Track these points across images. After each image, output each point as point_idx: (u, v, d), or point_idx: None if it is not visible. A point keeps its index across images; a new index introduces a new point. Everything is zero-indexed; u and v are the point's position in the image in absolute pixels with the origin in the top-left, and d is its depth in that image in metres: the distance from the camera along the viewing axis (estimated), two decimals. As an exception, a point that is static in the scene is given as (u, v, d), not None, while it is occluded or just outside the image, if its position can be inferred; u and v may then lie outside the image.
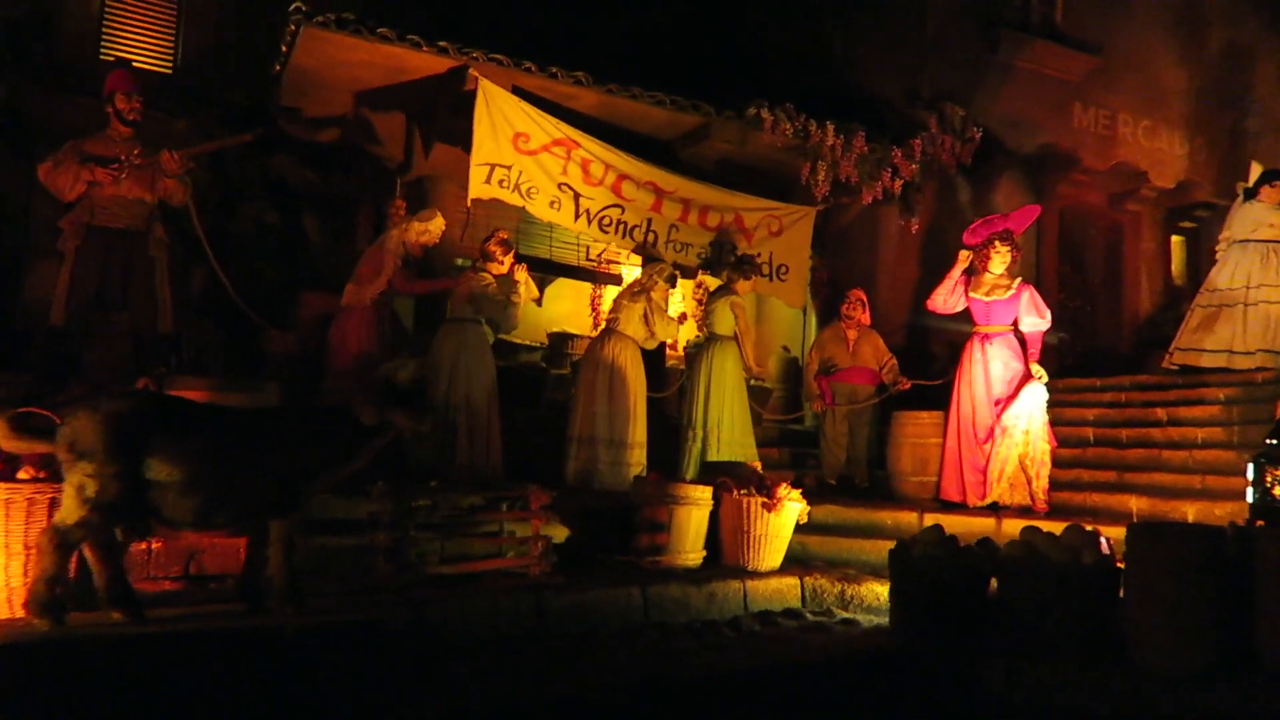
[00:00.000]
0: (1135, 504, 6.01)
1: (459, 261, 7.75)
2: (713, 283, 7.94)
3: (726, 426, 6.88)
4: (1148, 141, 9.59)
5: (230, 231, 7.64)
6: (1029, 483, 6.18)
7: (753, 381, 8.95)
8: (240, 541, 3.40)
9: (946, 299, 6.65)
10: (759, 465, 6.95)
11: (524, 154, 6.77)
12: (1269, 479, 3.85)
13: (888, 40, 8.94)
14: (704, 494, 4.96)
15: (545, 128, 6.85)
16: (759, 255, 7.87)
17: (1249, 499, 3.95)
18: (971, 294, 6.56)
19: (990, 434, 6.28)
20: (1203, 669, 3.69)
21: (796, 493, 5.03)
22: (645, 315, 6.64)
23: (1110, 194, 9.78)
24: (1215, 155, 9.77)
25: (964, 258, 6.63)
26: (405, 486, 4.12)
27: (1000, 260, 6.51)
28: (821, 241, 9.07)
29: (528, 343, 9.06)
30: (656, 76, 7.64)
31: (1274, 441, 3.91)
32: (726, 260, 7.66)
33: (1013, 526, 5.28)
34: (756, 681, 3.60)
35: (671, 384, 7.86)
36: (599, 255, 9.79)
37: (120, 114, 5.34)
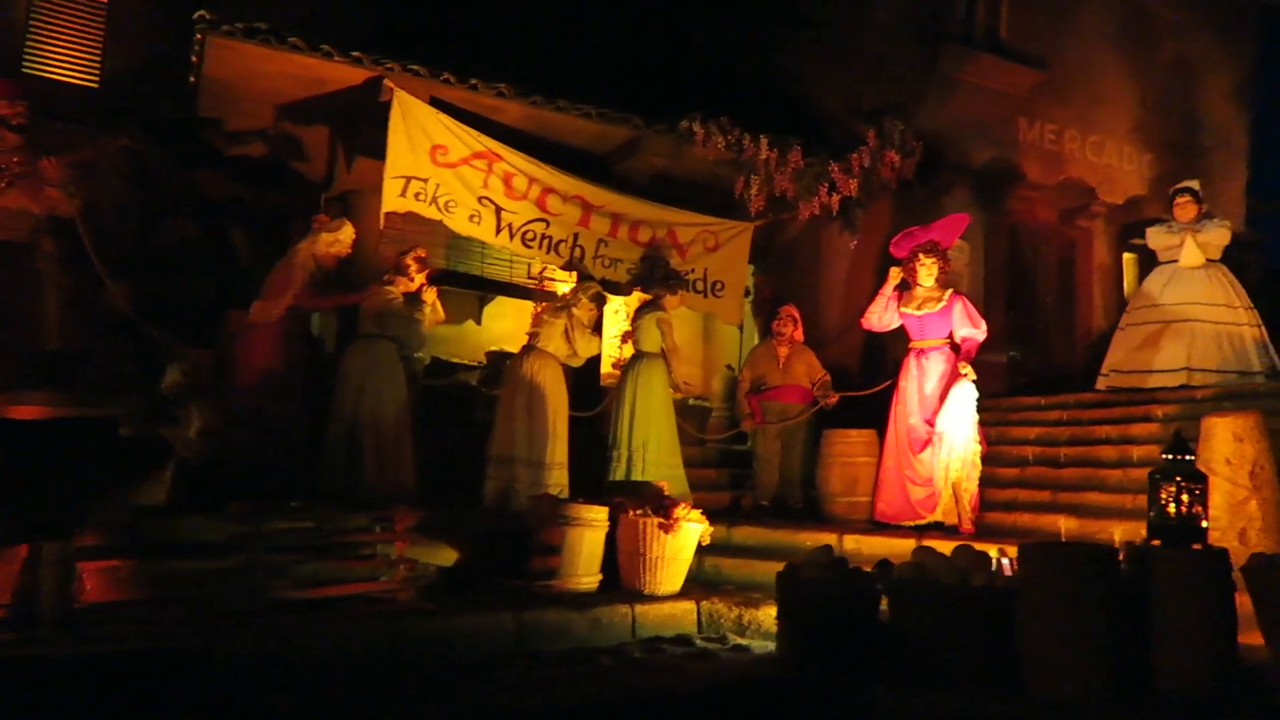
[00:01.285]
0: (1065, 524, 5.83)
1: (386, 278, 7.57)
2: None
3: (652, 446, 6.69)
4: (1096, 157, 9.46)
5: (153, 247, 7.46)
6: (957, 500, 5.99)
7: (691, 401, 8.80)
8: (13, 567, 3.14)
9: (880, 316, 6.50)
10: (685, 485, 6.77)
11: (442, 167, 6.61)
12: (1164, 495, 3.66)
13: (830, 54, 8.83)
14: (598, 515, 4.76)
15: (465, 140, 6.70)
16: (693, 271, 7.72)
17: (1148, 518, 3.76)
18: (904, 309, 6.42)
19: (926, 443, 6.10)
20: (1098, 694, 3.49)
21: (696, 513, 4.83)
22: (566, 331, 6.46)
23: (1061, 210, 9.65)
24: (1167, 171, 9.63)
25: (895, 274, 6.49)
26: (262, 507, 3.91)
27: (928, 273, 6.37)
28: (765, 258, 8.92)
29: (467, 361, 8.87)
30: (592, 90, 7.51)
31: (1170, 457, 3.72)
32: (656, 276, 7.50)
33: (943, 548, 5.09)
34: (621, 712, 3.38)
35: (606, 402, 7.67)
36: (540, 273, 9.62)
37: (4, 120, 5.17)
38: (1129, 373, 7.73)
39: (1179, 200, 7.83)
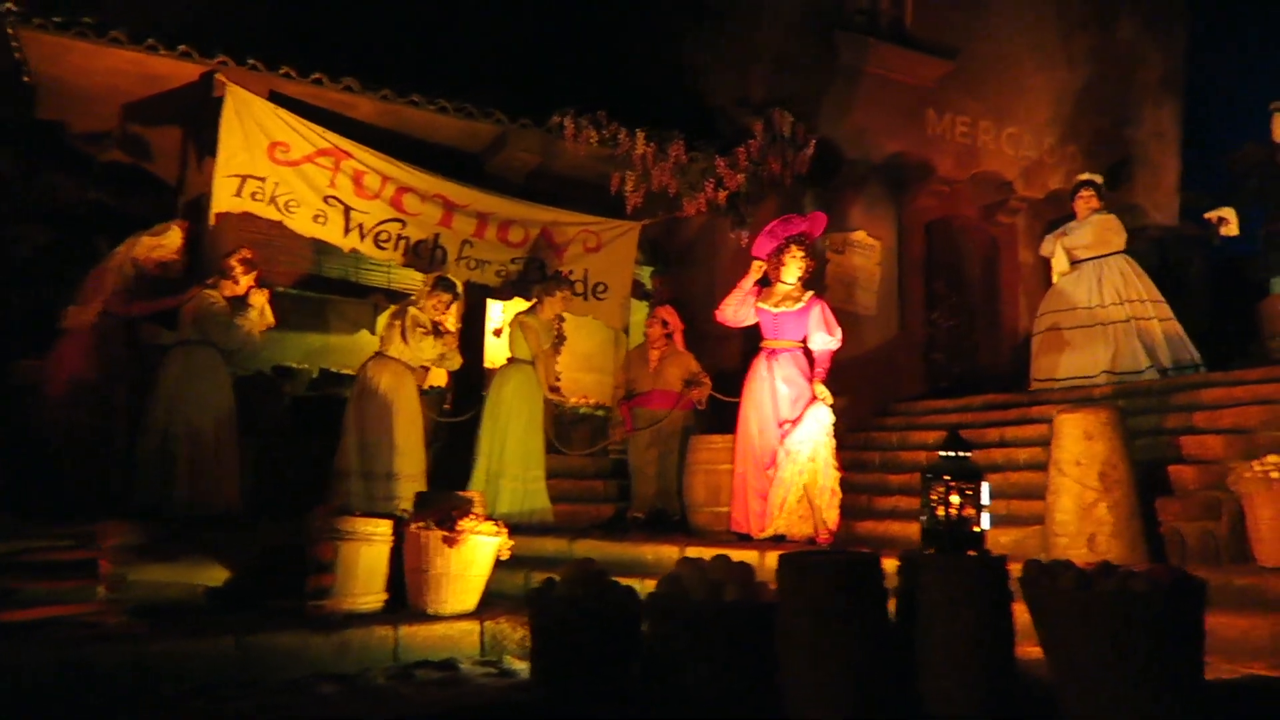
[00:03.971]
0: (927, 532, 5.40)
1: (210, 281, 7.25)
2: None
3: (509, 456, 6.33)
4: (1014, 150, 9.07)
5: (3, 256, 7.18)
6: (812, 513, 5.58)
7: (584, 409, 8.43)
8: None
9: (736, 310, 6.11)
10: (544, 499, 6.40)
11: (282, 165, 6.30)
12: (934, 497, 3.26)
13: (728, 46, 8.48)
14: (378, 528, 4.37)
15: (309, 137, 6.38)
16: (572, 272, 7.36)
17: (921, 521, 3.36)
18: (760, 305, 6.03)
19: (774, 459, 5.70)
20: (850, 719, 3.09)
21: (491, 525, 4.44)
22: (403, 333, 6.09)
23: (982, 206, 9.25)
24: (1094, 164, 9.21)
25: (757, 268, 6.11)
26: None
27: (795, 267, 5.99)
28: (663, 257, 8.57)
29: (349, 372, 8.52)
30: (462, 85, 7.19)
31: (945, 454, 3.32)
32: (531, 278, 7.16)
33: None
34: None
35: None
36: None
37: None
38: (1047, 379, 7.38)
39: (1082, 193, 7.51)
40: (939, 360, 9.17)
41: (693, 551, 5.40)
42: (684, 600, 3.38)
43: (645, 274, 8.56)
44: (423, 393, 7.54)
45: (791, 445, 5.64)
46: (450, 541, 4.29)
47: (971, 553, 3.26)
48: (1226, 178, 8.19)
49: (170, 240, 5.86)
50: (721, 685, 3.31)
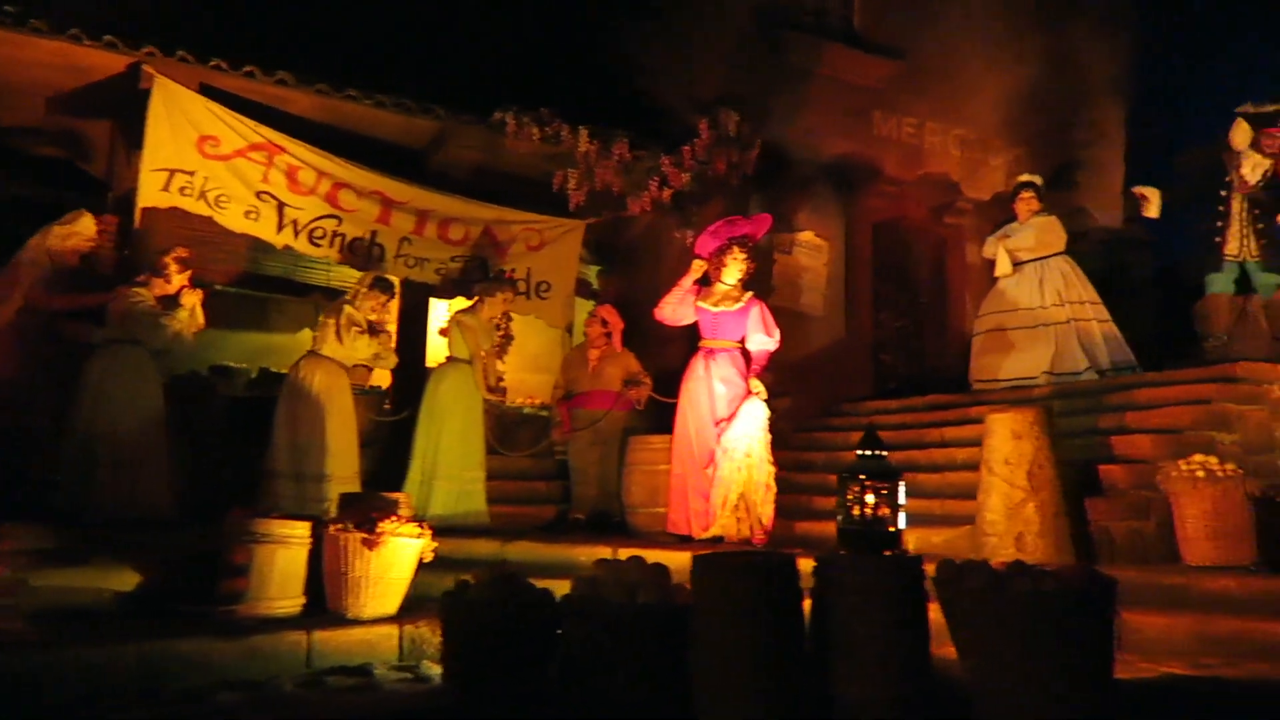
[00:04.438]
0: (862, 532, 5.37)
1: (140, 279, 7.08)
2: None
3: (444, 457, 6.22)
4: (960, 151, 9.12)
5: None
6: (749, 512, 5.53)
7: (528, 409, 8.33)
8: None
9: (675, 309, 6.05)
10: (481, 501, 6.30)
11: (212, 159, 6.16)
12: (849, 496, 3.22)
13: (675, 44, 8.41)
14: (295, 530, 4.26)
15: (240, 131, 6.24)
16: (514, 271, 7.27)
17: (836, 521, 3.31)
18: (700, 304, 5.98)
19: (713, 458, 5.65)
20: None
21: (413, 527, 4.34)
22: (338, 331, 5.97)
23: (930, 207, 9.27)
24: (1040, 166, 9.25)
25: (697, 267, 6.05)
26: None
27: (736, 268, 5.95)
28: (610, 257, 8.50)
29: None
30: (404, 80, 7.07)
31: (862, 453, 3.28)
32: (473, 276, 7.07)
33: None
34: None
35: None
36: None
37: None
38: (989, 380, 7.42)
39: (1022, 195, 7.56)
40: (887, 361, 9.19)
41: (625, 553, 5.32)
42: (598, 602, 3.31)
43: (592, 273, 8.49)
44: (363, 392, 7.42)
45: (728, 443, 5.60)
46: (370, 544, 4.18)
47: (887, 553, 3.22)
48: (1172, 181, 8.27)
49: (83, 228, 5.69)
50: (636, 688, 3.23)
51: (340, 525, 4.23)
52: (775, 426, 7.74)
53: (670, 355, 7.51)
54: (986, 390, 7.25)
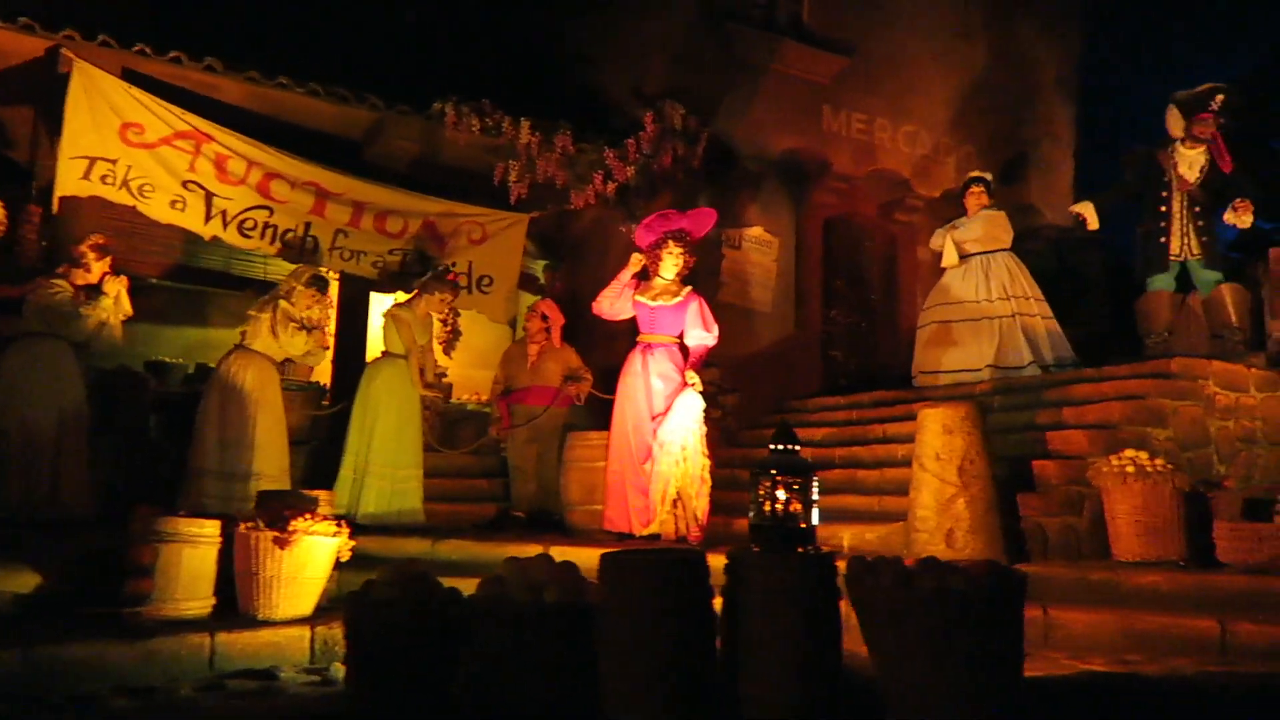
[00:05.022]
0: (801, 529, 5.30)
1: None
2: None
3: (377, 454, 6.07)
4: (910, 148, 9.10)
5: None
6: (684, 508, 5.44)
7: (472, 405, 8.19)
8: None
9: (613, 303, 5.94)
10: (417, 499, 6.16)
11: (136, 147, 5.96)
12: (761, 492, 3.13)
13: (623, 37, 8.33)
14: (203, 529, 4.11)
15: (166, 118, 6.05)
16: (455, 265, 7.12)
17: (748, 518, 3.23)
18: (638, 298, 5.88)
19: (650, 453, 5.55)
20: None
21: (329, 525, 4.20)
22: (273, 326, 5.81)
23: (880, 204, 9.24)
24: (990, 163, 9.27)
25: (635, 261, 5.95)
26: None
27: (673, 262, 5.85)
28: (556, 252, 8.38)
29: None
30: (341, 69, 6.91)
31: (774, 448, 3.20)
32: (413, 270, 6.92)
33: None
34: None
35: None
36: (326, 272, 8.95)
37: None
38: (932, 373, 7.39)
39: (972, 190, 7.56)
40: (837, 357, 9.15)
41: (558, 551, 5.22)
42: (504, 602, 3.19)
43: (539, 268, 8.37)
44: (301, 388, 7.26)
45: (664, 436, 5.50)
46: (281, 543, 4.04)
47: (800, 550, 3.13)
48: (1118, 179, 8.30)
49: (-12, 215, 5.49)
50: (542, 688, 3.13)
51: (251, 523, 4.08)
52: (723, 423, 7.73)
53: (616, 351, 7.41)
54: (930, 384, 7.22)
